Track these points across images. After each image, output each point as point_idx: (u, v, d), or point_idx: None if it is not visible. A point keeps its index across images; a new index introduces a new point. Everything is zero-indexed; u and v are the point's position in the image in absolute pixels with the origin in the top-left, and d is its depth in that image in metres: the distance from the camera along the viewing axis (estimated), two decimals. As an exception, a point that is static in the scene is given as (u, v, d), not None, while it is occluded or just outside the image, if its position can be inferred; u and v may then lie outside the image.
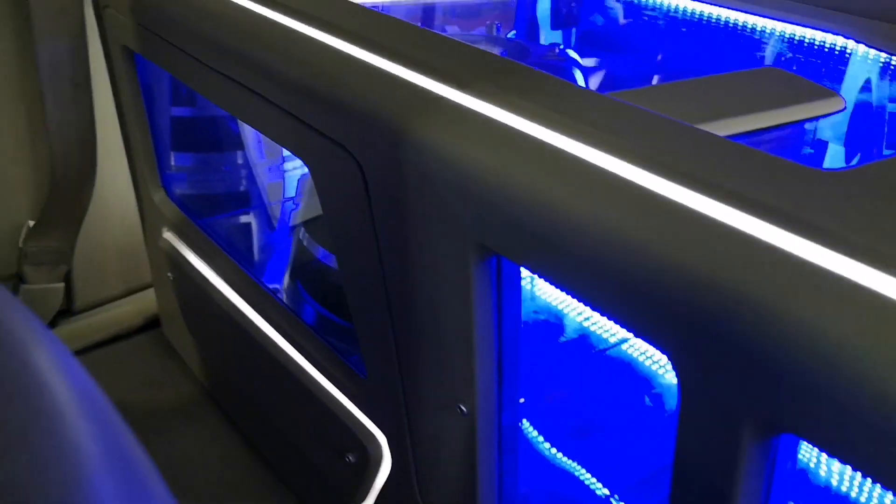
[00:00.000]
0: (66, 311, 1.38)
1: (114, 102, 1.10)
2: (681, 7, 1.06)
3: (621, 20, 1.13)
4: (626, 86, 0.96)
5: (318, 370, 0.84)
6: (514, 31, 1.06)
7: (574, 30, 1.14)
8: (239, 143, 1.10)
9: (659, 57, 1.04)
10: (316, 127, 0.65)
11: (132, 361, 1.29)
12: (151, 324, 1.38)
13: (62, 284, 1.32)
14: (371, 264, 0.62)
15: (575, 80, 0.92)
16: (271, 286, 1.03)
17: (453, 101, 0.55)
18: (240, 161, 1.13)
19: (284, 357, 0.89)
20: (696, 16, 1.07)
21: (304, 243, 0.98)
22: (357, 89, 0.60)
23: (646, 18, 1.05)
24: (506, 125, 0.52)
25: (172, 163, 1.10)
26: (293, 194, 1.11)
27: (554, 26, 1.18)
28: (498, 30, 1.12)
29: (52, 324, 1.36)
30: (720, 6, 0.96)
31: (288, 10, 0.73)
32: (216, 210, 1.15)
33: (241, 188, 1.15)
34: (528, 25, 1.19)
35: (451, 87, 0.56)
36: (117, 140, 1.21)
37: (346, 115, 0.61)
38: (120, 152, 1.22)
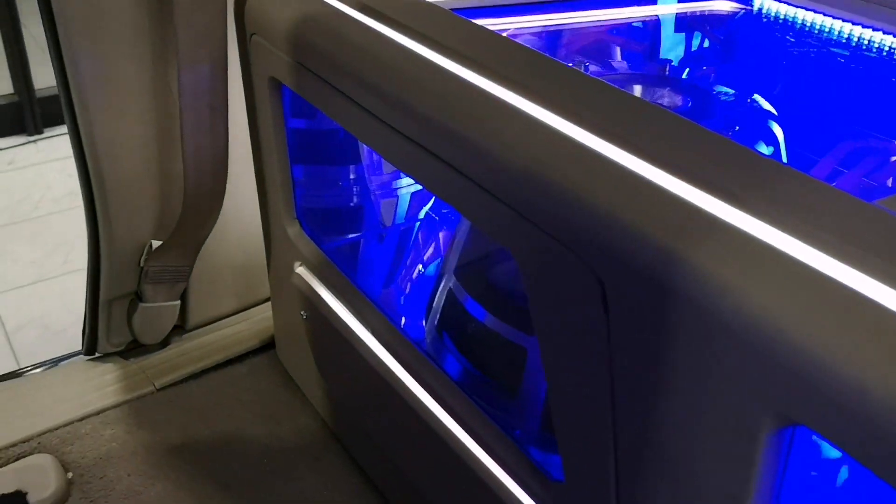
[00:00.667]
0: (180, 327, 1.35)
1: (248, 128, 1.04)
2: (875, 41, 0.97)
3: (798, 51, 1.04)
4: (829, 147, 0.87)
5: (483, 449, 0.78)
6: (686, 70, 0.97)
7: (746, 67, 1.05)
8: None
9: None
10: (534, 220, 0.58)
11: (248, 389, 1.25)
12: (266, 345, 1.34)
13: (178, 302, 1.28)
14: (597, 397, 0.55)
15: (776, 140, 0.83)
16: (415, 337, 0.97)
17: (731, 225, 0.47)
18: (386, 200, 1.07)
19: (432, 420, 0.83)
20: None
21: (457, 296, 0.91)
22: (601, 194, 0.53)
23: (840, 58, 0.95)
24: (805, 265, 0.44)
25: (309, 195, 1.04)
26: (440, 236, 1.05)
27: (715, 58, 1.09)
28: (658, 62, 1.04)
29: (165, 342, 1.32)
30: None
31: (494, 74, 0.66)
32: (353, 247, 1.09)
33: (383, 226, 1.08)
34: (690, 57, 1.11)
35: (725, 202, 0.49)
36: (241, 158, 1.16)
37: (585, 219, 0.54)
38: (243, 172, 1.17)
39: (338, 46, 0.80)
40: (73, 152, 1.09)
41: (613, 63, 0.97)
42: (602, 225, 0.52)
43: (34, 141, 2.60)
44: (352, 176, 1.06)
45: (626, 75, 0.91)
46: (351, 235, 1.08)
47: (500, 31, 1.05)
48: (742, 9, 1.24)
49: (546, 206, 0.56)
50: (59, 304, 1.90)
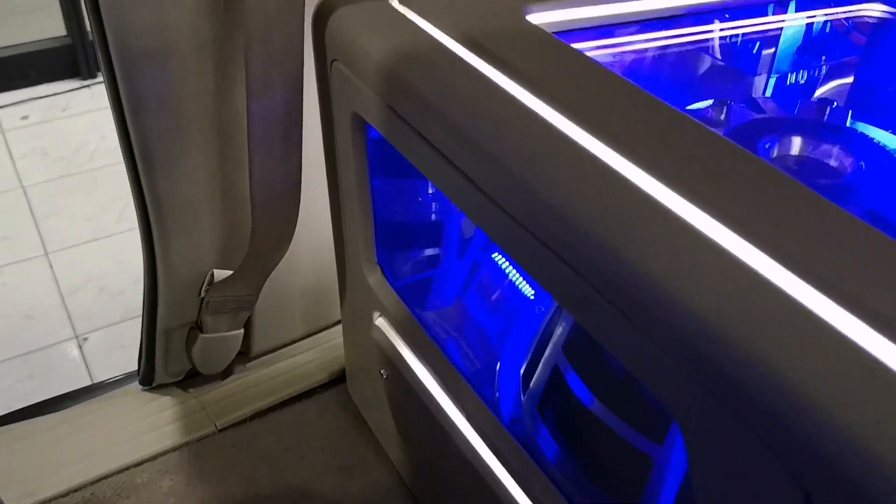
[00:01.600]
0: (244, 353, 1.24)
1: (325, 160, 0.91)
2: None
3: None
4: None
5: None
6: (849, 113, 0.81)
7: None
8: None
9: None
10: (719, 396, 0.44)
11: (317, 432, 1.14)
12: (336, 378, 1.23)
13: (241, 331, 1.18)
14: None
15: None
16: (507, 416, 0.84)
17: None
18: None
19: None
20: None
21: (567, 380, 0.78)
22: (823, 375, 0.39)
23: None
24: None
25: (394, 244, 0.91)
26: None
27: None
28: (815, 101, 0.88)
29: (228, 371, 1.22)
30: None
31: (643, 160, 0.52)
32: (439, 301, 0.97)
33: (471, 280, 0.95)
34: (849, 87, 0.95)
35: None
36: (316, 175, 1.04)
37: (792, 412, 0.40)
38: (317, 188, 1.04)
39: (434, 91, 0.66)
40: (128, 174, 0.98)
41: (758, 99, 0.82)
42: (820, 423, 0.39)
43: (88, 86, 2.52)
44: (446, 235, 0.94)
45: (780, 121, 0.76)
46: (441, 298, 0.95)
47: (618, 53, 0.91)
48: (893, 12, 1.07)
49: (736, 379, 0.43)
50: (115, 265, 1.84)
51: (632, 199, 0.51)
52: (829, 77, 1.04)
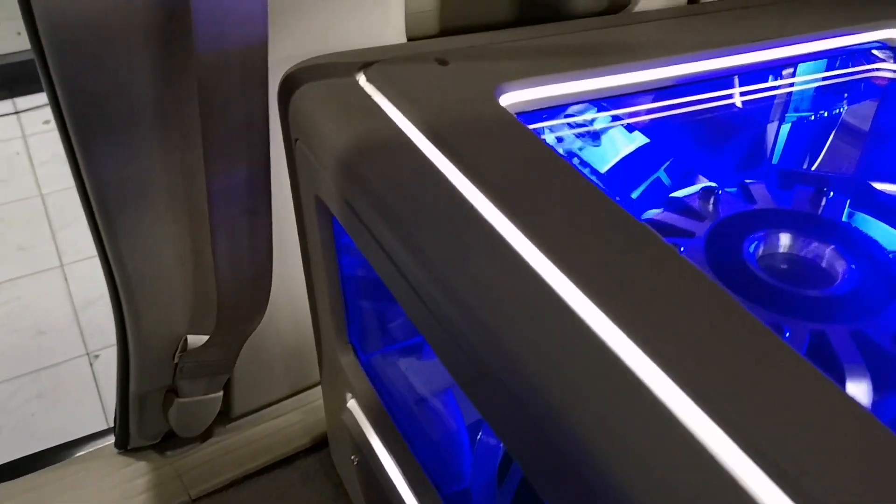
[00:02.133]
0: (224, 413, 1.20)
1: (297, 234, 0.87)
2: None
3: None
4: None
5: None
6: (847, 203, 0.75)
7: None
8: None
9: None
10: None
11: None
12: (319, 443, 1.19)
13: (220, 394, 1.14)
14: None
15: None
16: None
17: None
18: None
19: None
20: None
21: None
22: None
23: None
24: None
25: (367, 321, 0.87)
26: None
27: None
28: (810, 187, 0.82)
29: (208, 433, 1.18)
30: None
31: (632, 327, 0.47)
32: (412, 389, 0.92)
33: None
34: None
35: None
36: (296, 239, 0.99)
37: None
38: (297, 252, 1.00)
39: (382, 189, 0.62)
40: (93, 238, 0.95)
41: (750, 186, 0.77)
42: None
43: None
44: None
45: (768, 215, 0.71)
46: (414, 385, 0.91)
47: (594, 130, 0.86)
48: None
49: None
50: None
51: (548, 308, 0.47)
52: (833, 151, 0.99)
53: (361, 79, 0.74)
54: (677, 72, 0.82)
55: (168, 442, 1.17)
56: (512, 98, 0.73)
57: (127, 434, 1.13)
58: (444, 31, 1.11)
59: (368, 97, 0.72)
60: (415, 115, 0.67)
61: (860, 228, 0.69)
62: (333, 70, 0.75)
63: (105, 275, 0.97)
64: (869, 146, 1.04)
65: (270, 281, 0.94)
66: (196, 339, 1.04)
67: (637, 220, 0.55)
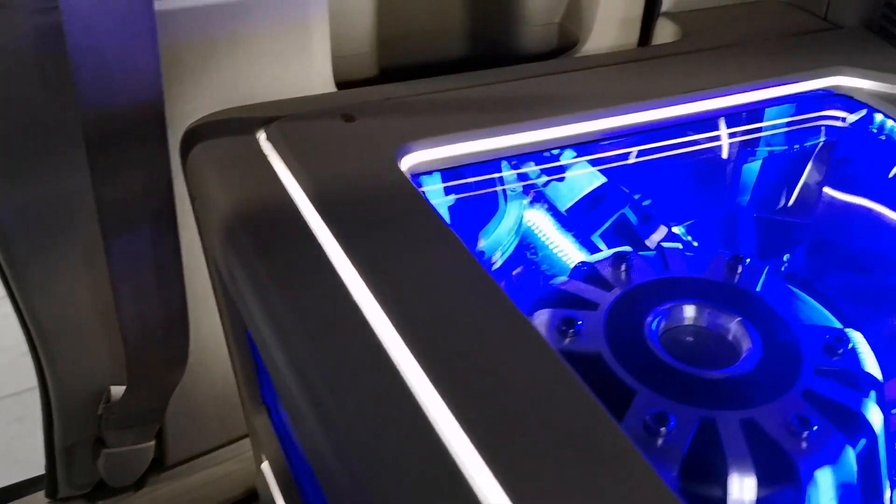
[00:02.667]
0: (158, 461, 1.18)
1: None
2: None
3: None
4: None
5: None
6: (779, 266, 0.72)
7: None
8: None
9: None
10: None
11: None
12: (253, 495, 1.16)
13: (152, 443, 1.11)
14: None
15: None
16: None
17: None
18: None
19: None
20: None
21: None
22: None
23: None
24: None
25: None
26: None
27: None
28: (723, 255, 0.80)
29: (141, 483, 1.15)
30: None
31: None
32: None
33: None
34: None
35: None
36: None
37: None
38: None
39: (265, 265, 0.59)
40: (4, 287, 0.92)
41: (665, 250, 0.74)
42: None
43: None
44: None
45: (679, 284, 0.68)
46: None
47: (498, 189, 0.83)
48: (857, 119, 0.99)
49: None
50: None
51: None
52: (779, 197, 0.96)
53: (261, 136, 0.72)
54: (599, 126, 0.80)
55: (100, 491, 1.14)
56: (417, 158, 0.71)
57: (56, 483, 1.10)
58: (384, 73, 1.09)
59: (264, 158, 0.69)
60: (306, 181, 0.65)
61: (770, 301, 0.66)
62: (235, 126, 0.73)
63: (20, 323, 0.95)
64: (816, 194, 1.02)
65: (187, 336, 0.92)
66: (119, 390, 1.02)
67: (515, 309, 0.52)
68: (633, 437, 0.49)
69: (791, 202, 1.02)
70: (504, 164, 0.77)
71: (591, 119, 0.78)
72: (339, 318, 0.52)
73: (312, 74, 0.90)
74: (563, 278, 0.70)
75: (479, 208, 0.82)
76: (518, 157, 0.75)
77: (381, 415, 0.45)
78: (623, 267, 0.70)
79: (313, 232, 0.60)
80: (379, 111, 0.76)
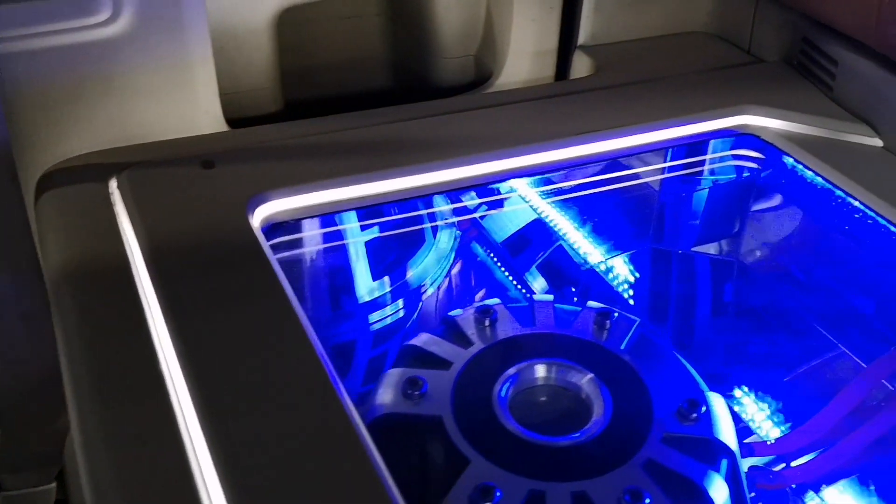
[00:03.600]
0: (62, 501, 1.15)
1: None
2: None
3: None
4: None
5: None
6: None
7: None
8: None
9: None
10: None
11: None
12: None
13: (53, 485, 1.09)
14: None
15: None
16: None
17: None
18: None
19: None
20: None
21: None
22: None
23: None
24: None
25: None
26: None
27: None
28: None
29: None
30: None
31: None
32: None
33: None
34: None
35: None
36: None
37: None
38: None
39: (89, 328, 0.57)
40: None
41: (534, 302, 0.71)
42: None
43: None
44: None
45: (537, 340, 0.66)
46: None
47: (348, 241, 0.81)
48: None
49: None
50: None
51: None
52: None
53: (113, 184, 0.70)
54: (476, 171, 0.78)
55: (2, 533, 1.11)
56: (273, 208, 0.69)
57: (-48, 526, 1.08)
58: (291, 107, 1.07)
59: (111, 209, 0.67)
60: (144, 234, 0.63)
61: (633, 361, 0.64)
62: (88, 172, 0.71)
63: None
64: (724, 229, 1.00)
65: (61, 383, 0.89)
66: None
67: (329, 378, 0.50)
68: None
69: (699, 243, 1.00)
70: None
71: (457, 166, 0.76)
72: (135, 381, 0.50)
73: (198, 112, 0.87)
74: (425, 335, 0.67)
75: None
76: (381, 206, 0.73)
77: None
78: (486, 322, 0.67)
79: (137, 289, 0.58)
80: (242, 157, 0.73)
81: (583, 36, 1.10)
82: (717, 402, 0.61)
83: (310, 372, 0.50)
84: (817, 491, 0.76)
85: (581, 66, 1.10)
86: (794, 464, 0.77)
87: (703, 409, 0.59)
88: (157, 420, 0.48)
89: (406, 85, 1.14)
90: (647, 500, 0.53)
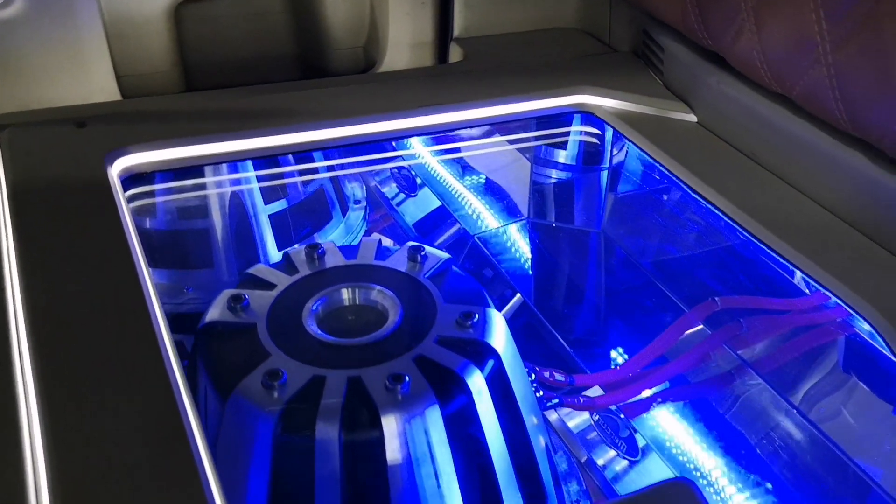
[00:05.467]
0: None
1: None
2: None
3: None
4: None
5: None
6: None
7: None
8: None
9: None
10: None
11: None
12: None
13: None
14: None
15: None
16: None
17: None
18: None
19: None
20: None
21: None
22: None
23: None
24: None
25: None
26: None
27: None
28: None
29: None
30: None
31: None
32: None
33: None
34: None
35: None
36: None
37: None
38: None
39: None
40: None
41: (365, 243, 0.82)
42: None
43: None
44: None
45: (350, 270, 0.77)
46: None
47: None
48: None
49: None
50: None
51: None
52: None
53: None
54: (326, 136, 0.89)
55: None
56: (131, 161, 0.79)
57: None
58: (192, 91, 1.17)
59: (-8, 162, 0.78)
60: (12, 189, 0.73)
61: (431, 286, 0.75)
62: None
63: None
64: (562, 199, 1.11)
65: None
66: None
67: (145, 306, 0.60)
68: (256, 391, 0.58)
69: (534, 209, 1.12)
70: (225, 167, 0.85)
71: (311, 130, 0.87)
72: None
73: (94, 91, 0.98)
74: (261, 266, 0.78)
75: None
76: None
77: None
78: (315, 255, 0.78)
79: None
80: (116, 118, 0.84)
81: (457, 29, 1.21)
82: (494, 316, 0.72)
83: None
84: (634, 416, 0.87)
85: (456, 56, 1.21)
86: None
87: (476, 317, 0.70)
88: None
89: (305, 75, 1.25)
90: (407, 380, 0.63)
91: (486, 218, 1.16)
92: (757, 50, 0.84)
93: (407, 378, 0.63)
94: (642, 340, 0.96)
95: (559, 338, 1.00)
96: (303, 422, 0.61)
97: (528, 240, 1.13)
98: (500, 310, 0.74)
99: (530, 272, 1.11)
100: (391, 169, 1.23)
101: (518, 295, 1.04)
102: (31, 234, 0.66)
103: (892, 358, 0.63)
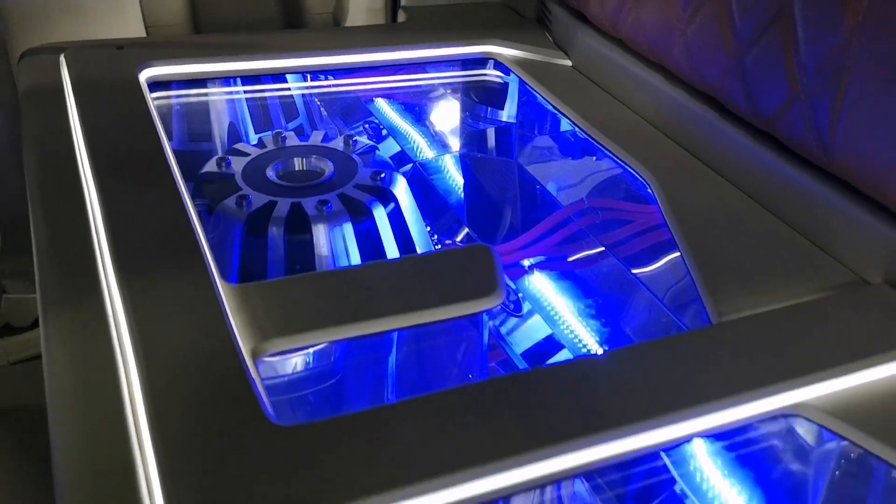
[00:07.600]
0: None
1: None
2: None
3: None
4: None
5: None
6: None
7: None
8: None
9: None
10: None
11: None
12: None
13: (39, 294, 1.44)
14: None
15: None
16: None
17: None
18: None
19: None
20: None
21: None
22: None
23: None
24: None
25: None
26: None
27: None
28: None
29: (36, 323, 1.48)
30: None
31: None
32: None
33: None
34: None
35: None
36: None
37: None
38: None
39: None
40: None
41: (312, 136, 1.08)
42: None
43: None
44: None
45: (298, 149, 1.03)
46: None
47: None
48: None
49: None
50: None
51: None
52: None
53: (62, 58, 1.06)
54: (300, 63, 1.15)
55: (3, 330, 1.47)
56: (155, 72, 1.06)
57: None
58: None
59: (59, 72, 1.04)
60: (75, 83, 0.99)
61: (356, 159, 1.01)
62: (48, 52, 1.08)
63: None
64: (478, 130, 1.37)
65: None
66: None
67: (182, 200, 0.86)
68: (230, 207, 0.84)
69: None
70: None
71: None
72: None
73: (128, 34, 1.24)
74: (241, 144, 1.04)
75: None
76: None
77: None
78: (279, 139, 1.04)
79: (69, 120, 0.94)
80: (146, 44, 1.10)
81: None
82: (398, 176, 0.98)
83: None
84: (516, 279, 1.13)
85: (402, 19, 1.47)
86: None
87: (384, 175, 0.96)
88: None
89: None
90: (330, 204, 0.89)
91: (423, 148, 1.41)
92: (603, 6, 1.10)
93: (330, 203, 0.89)
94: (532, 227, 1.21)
95: (471, 232, 1.25)
96: (259, 227, 0.87)
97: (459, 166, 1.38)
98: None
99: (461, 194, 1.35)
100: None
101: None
102: (90, 118, 0.92)
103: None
